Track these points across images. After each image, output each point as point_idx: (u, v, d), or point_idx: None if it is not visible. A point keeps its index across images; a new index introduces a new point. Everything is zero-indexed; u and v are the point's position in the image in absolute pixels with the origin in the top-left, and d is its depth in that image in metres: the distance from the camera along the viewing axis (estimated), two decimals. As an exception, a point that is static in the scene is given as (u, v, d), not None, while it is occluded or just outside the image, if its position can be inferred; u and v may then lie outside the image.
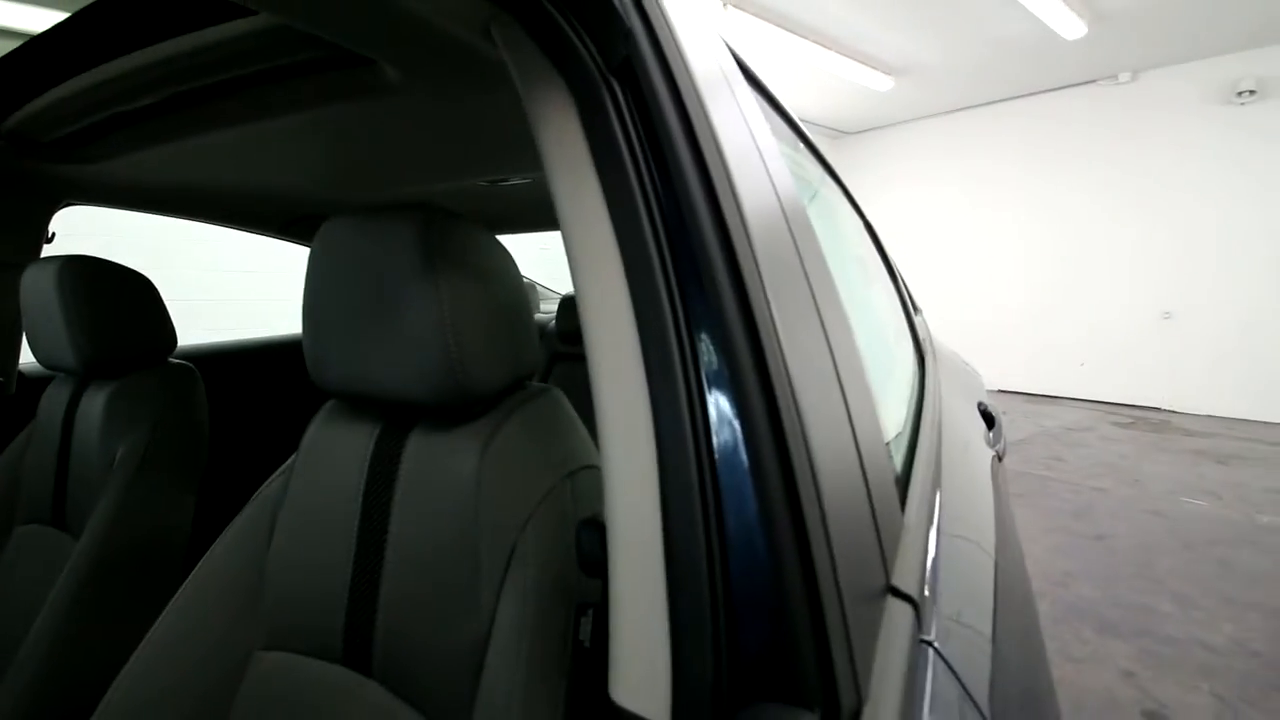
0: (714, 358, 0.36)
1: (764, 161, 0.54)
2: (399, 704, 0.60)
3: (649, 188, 0.39)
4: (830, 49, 4.94)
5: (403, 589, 0.61)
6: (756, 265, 0.41)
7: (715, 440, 0.35)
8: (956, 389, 1.52)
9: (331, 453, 0.68)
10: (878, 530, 0.49)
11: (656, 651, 0.33)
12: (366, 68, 0.66)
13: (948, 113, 6.82)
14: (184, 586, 0.70)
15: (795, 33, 4.63)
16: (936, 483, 0.81)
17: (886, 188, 7.28)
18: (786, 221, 0.53)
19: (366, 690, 0.61)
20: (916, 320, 1.72)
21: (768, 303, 0.40)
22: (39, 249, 1.29)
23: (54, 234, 1.31)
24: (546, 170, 0.44)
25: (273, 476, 0.73)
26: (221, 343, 1.86)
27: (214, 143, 1.01)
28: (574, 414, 0.67)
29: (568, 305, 2.07)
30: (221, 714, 0.66)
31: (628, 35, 0.41)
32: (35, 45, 0.93)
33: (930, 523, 0.68)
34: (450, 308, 0.57)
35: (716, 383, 0.36)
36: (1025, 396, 6.29)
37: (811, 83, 5.78)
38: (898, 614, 0.47)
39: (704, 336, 0.37)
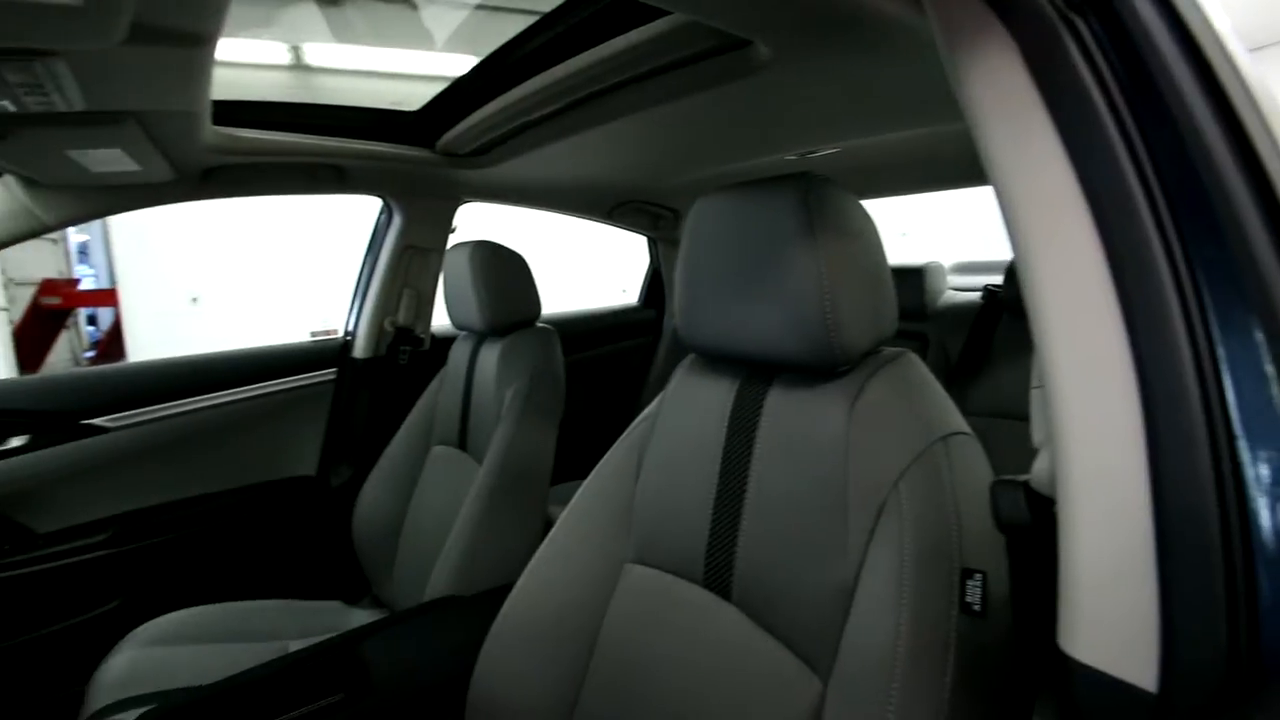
0: (1233, 305, 0.32)
1: None
2: (757, 630, 0.66)
3: (1131, 129, 0.36)
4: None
5: (763, 526, 0.66)
6: None
7: (1230, 382, 0.31)
8: None
9: (694, 402, 0.77)
10: None
11: (1138, 609, 0.32)
12: (741, 50, 0.72)
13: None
14: (570, 505, 0.85)
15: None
16: None
17: None
18: None
19: (726, 612, 0.69)
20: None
21: None
22: (447, 238, 1.69)
23: (455, 226, 1.70)
24: (975, 121, 0.43)
25: (638, 419, 0.85)
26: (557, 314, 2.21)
27: (587, 141, 1.21)
28: (934, 378, 0.65)
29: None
30: (599, 611, 0.80)
31: None
32: (464, 80, 1.20)
33: None
34: (828, 269, 0.60)
35: (1234, 332, 0.32)
36: None
37: None
38: None
39: (1215, 278, 0.33)
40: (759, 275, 0.65)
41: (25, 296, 4.50)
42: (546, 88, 0.97)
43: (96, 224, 5.92)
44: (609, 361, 2.18)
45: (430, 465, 1.44)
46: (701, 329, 0.74)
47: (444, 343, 1.56)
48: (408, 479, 1.44)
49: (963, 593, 0.51)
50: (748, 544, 0.67)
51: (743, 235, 0.67)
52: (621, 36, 0.80)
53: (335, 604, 1.43)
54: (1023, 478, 0.44)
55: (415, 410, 1.48)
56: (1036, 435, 0.44)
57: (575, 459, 1.34)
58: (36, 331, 4.44)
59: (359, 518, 1.45)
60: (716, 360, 0.77)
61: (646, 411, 0.84)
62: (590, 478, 0.86)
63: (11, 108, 0.72)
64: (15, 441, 1.29)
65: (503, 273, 1.30)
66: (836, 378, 0.64)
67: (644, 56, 0.80)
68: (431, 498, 1.40)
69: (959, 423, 0.61)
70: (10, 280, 4.50)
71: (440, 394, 1.46)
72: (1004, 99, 0.42)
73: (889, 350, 0.68)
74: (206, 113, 0.93)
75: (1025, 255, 0.40)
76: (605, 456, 0.86)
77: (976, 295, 1.82)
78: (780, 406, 0.68)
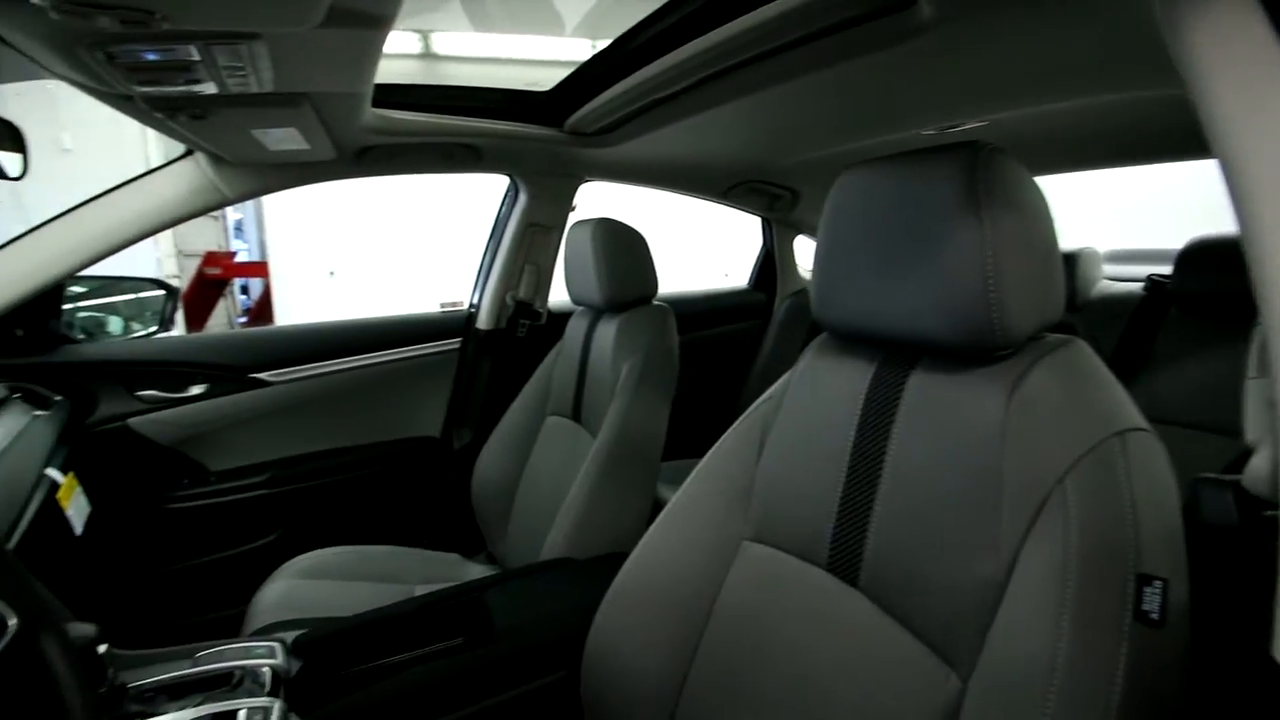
0: None
1: None
2: (886, 619, 0.64)
3: None
4: None
5: (899, 514, 0.64)
6: None
7: None
8: None
9: (825, 383, 0.75)
10: None
11: None
12: (903, 12, 0.68)
13: None
14: (689, 480, 0.86)
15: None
16: None
17: None
18: None
19: (851, 598, 0.67)
20: None
21: None
22: (567, 216, 1.74)
23: (575, 205, 1.74)
24: (1197, 86, 0.38)
25: (761, 399, 0.84)
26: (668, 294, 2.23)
27: (710, 119, 1.20)
28: (1107, 369, 0.60)
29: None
30: (715, 586, 0.80)
31: None
32: (595, 60, 1.22)
33: None
34: (993, 245, 0.56)
35: None
36: None
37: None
38: None
39: None
40: (909, 251, 0.62)
41: (191, 267, 5.11)
42: (680, 64, 0.96)
43: (250, 203, 6.59)
44: (717, 343, 2.17)
45: (544, 434, 1.50)
46: (838, 308, 0.71)
47: (559, 318, 1.62)
48: (523, 446, 1.51)
49: (1139, 600, 0.47)
50: (880, 531, 0.65)
51: (893, 208, 0.64)
52: (770, 4, 0.78)
53: (454, 556, 1.53)
54: (1231, 477, 0.40)
55: (532, 381, 1.55)
56: (1251, 432, 0.39)
57: (680, 438, 1.35)
58: (200, 298, 5.04)
59: (477, 479, 1.54)
60: (852, 341, 0.74)
61: (771, 391, 0.83)
62: (710, 454, 0.86)
63: (214, 89, 0.81)
64: (195, 389, 1.48)
65: (623, 250, 1.32)
66: (993, 362, 0.60)
67: (792, 24, 0.78)
68: (544, 465, 1.46)
69: (1137, 418, 0.55)
70: (180, 252, 5.12)
71: (556, 367, 1.52)
72: (1237, 58, 0.37)
73: (1054, 336, 0.62)
74: (369, 95, 1.00)
75: (1259, 239, 0.36)
76: (726, 433, 0.86)
77: (1137, 286, 1.64)
78: (924, 391, 0.65)
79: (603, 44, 1.21)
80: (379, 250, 4.92)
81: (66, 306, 1.42)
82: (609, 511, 1.18)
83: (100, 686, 0.62)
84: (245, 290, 6.07)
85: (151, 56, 0.65)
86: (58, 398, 1.26)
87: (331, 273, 5.00)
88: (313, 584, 1.29)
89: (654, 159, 1.62)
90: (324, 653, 0.89)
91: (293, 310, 4.93)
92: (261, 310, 5.44)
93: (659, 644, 0.80)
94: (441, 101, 1.34)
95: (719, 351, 2.19)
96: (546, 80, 1.38)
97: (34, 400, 1.21)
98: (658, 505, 0.94)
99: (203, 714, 0.74)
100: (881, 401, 0.68)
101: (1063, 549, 0.51)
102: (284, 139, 1.08)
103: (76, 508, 1.14)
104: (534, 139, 1.42)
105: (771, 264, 2.24)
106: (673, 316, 1.34)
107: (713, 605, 0.79)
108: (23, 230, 1.25)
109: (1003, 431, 0.57)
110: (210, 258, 5.18)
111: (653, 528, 0.86)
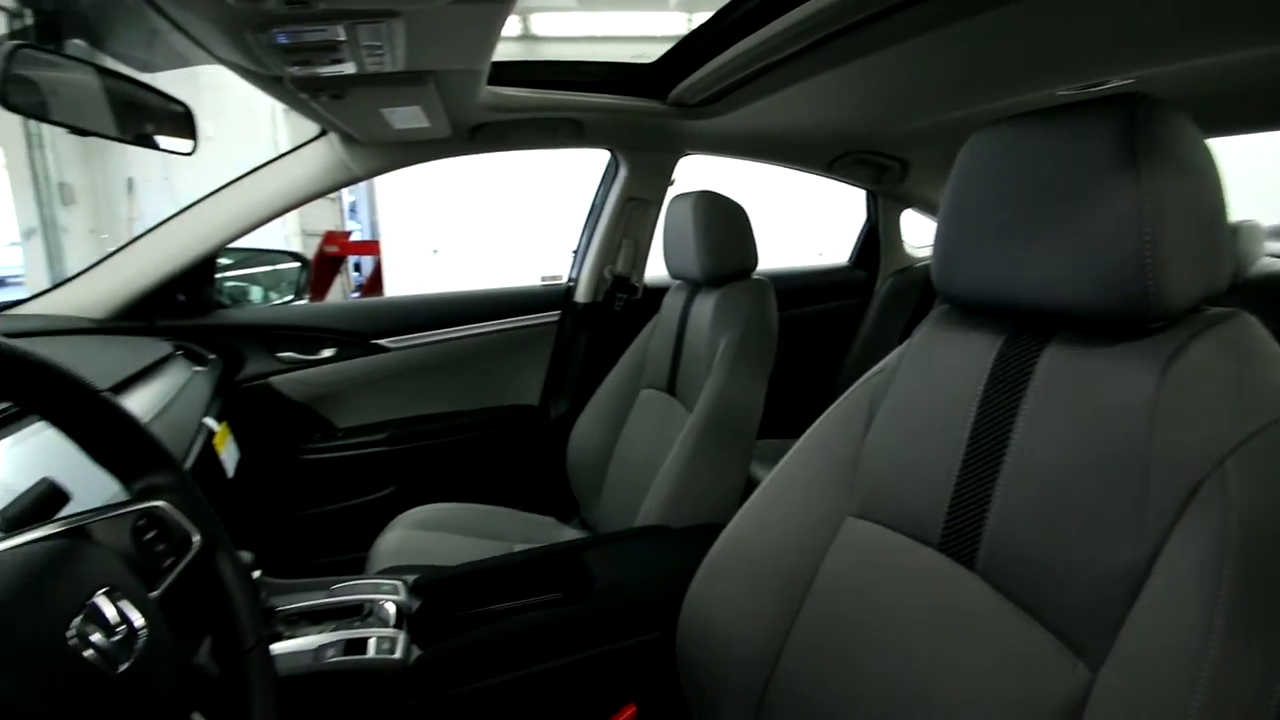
0: None
1: None
2: (1006, 603, 0.61)
3: None
4: None
5: (1025, 495, 0.60)
6: None
7: None
8: None
9: (944, 356, 0.72)
10: None
11: None
12: None
13: None
14: (791, 451, 0.85)
15: None
16: None
17: None
18: None
19: (966, 580, 0.64)
20: None
21: None
22: (666, 191, 1.74)
23: (674, 179, 1.74)
24: None
25: (871, 371, 0.81)
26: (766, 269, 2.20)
27: (817, 86, 1.16)
28: (1279, 347, 0.53)
29: None
30: (815, 559, 0.79)
31: None
32: (700, 30, 1.20)
33: None
34: (1152, 205, 0.51)
35: None
36: None
37: None
38: None
39: None
40: (1051, 214, 0.58)
41: (313, 245, 5.55)
42: (789, 28, 0.93)
43: (363, 187, 7.04)
44: (813, 322, 2.11)
45: (638, 406, 1.53)
46: (963, 276, 0.67)
47: (655, 292, 1.63)
48: (617, 417, 1.54)
49: None
50: (1002, 513, 0.62)
51: (1034, 168, 0.59)
52: None
53: (549, 519, 1.60)
54: None
55: (627, 354, 1.57)
56: None
57: (773, 418, 1.34)
58: (320, 273, 5.47)
59: (573, 447, 1.59)
60: (976, 312, 0.70)
61: (883, 363, 0.80)
62: (814, 426, 0.84)
63: (353, 69, 0.88)
64: (325, 353, 1.62)
65: (724, 223, 1.31)
66: (1144, 335, 0.55)
67: None
68: (638, 436, 1.49)
69: None
70: (304, 232, 5.57)
71: (651, 340, 1.54)
72: None
73: (1217, 309, 0.56)
74: (485, 73, 1.04)
75: None
76: (832, 406, 0.84)
77: None
78: (1060, 365, 0.60)
79: (700, 18, 1.19)
80: (479, 229, 5.15)
81: (217, 276, 1.59)
82: (704, 483, 1.19)
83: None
84: (358, 268, 6.53)
85: (305, 37, 0.71)
86: (211, 356, 1.42)
87: (435, 251, 5.29)
88: (424, 535, 1.39)
89: (757, 130, 1.59)
90: (438, 595, 0.96)
91: (399, 286, 5.26)
92: (373, 286, 5.84)
93: (755, 613, 0.80)
94: (548, 77, 1.38)
95: (815, 331, 2.13)
96: (649, 56, 1.38)
97: (193, 358, 1.36)
98: (751, 483, 0.94)
99: (339, 638, 0.83)
100: (1009, 377, 0.64)
101: (1219, 539, 0.46)
102: (408, 117, 1.15)
103: (229, 453, 1.29)
104: (636, 112, 1.43)
105: (875, 240, 2.14)
106: (772, 291, 1.32)
107: (812, 579, 0.78)
108: (171, 207, 1.41)
109: (1153, 410, 0.52)
110: (329, 237, 5.60)
111: (753, 498, 0.86)
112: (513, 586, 0.99)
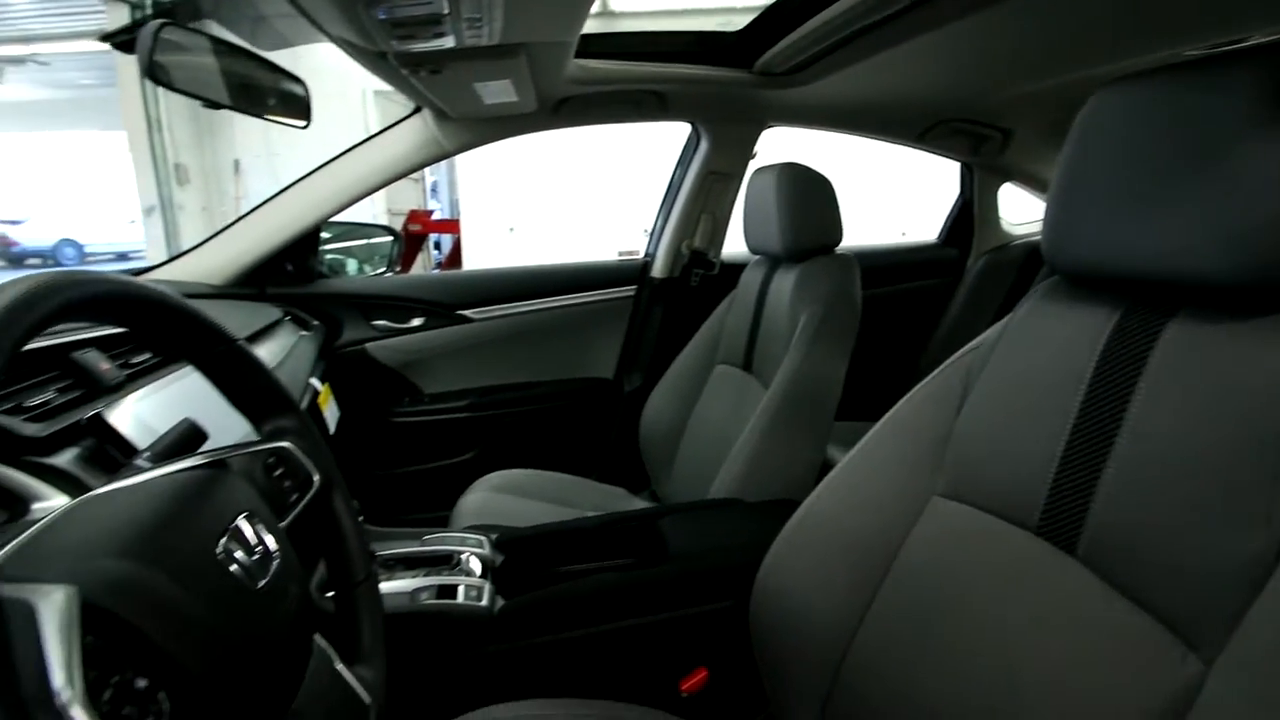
0: None
1: None
2: (1110, 591, 0.58)
3: None
4: None
5: (1138, 478, 0.57)
6: None
7: None
8: None
9: (1051, 331, 0.68)
10: None
11: None
12: None
13: None
14: (875, 429, 0.83)
15: None
16: None
17: None
18: None
19: (1067, 566, 0.61)
20: None
21: None
22: (747, 165, 1.71)
23: (756, 153, 1.71)
24: None
25: (966, 348, 0.78)
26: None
27: (911, 50, 1.10)
28: None
29: None
30: (898, 538, 0.77)
31: None
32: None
33: None
34: (1308, 163, 0.46)
35: None
36: None
37: None
38: None
39: None
40: (1183, 177, 0.53)
41: (397, 224, 5.82)
42: None
43: (444, 167, 7.28)
44: (898, 302, 2.03)
45: (713, 382, 1.53)
46: (1077, 245, 0.63)
47: (733, 268, 1.62)
48: (691, 392, 1.55)
49: None
50: (1112, 497, 0.58)
51: (1165, 126, 0.55)
52: None
53: (620, 490, 1.63)
54: None
55: (702, 330, 1.57)
56: None
57: (852, 400, 1.30)
58: (405, 250, 5.73)
59: (646, 420, 1.61)
60: (1089, 284, 0.66)
61: (980, 339, 0.76)
62: (901, 402, 0.82)
63: (452, 42, 0.91)
64: (415, 322, 1.71)
65: (808, 195, 1.28)
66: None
67: None
68: (712, 412, 1.49)
69: None
70: (390, 211, 5.84)
71: (728, 316, 1.53)
72: None
73: None
74: (574, 45, 1.06)
75: None
76: (921, 382, 0.81)
77: None
78: (1186, 340, 0.56)
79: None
80: (554, 207, 5.25)
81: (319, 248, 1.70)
82: (781, 458, 1.18)
83: None
84: (437, 245, 6.79)
85: (412, 11, 0.75)
86: (315, 322, 1.52)
87: (511, 229, 5.43)
88: (503, 498, 1.45)
89: (845, 99, 1.53)
90: (519, 552, 1.00)
91: (477, 263, 5.45)
92: (452, 262, 6.07)
93: (833, 587, 0.79)
94: (633, 48, 1.37)
95: (900, 312, 2.05)
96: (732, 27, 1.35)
97: (299, 323, 1.47)
98: (827, 465, 0.92)
99: (432, 583, 0.88)
100: (1125, 354, 0.60)
101: None
102: (497, 92, 1.18)
103: (330, 412, 1.39)
104: (721, 82, 1.41)
105: (968, 216, 2.03)
106: (857, 267, 1.28)
107: (894, 558, 0.77)
108: (273, 186, 1.51)
109: None
110: (413, 215, 5.85)
111: (833, 473, 0.85)
112: (588, 549, 1.03)
